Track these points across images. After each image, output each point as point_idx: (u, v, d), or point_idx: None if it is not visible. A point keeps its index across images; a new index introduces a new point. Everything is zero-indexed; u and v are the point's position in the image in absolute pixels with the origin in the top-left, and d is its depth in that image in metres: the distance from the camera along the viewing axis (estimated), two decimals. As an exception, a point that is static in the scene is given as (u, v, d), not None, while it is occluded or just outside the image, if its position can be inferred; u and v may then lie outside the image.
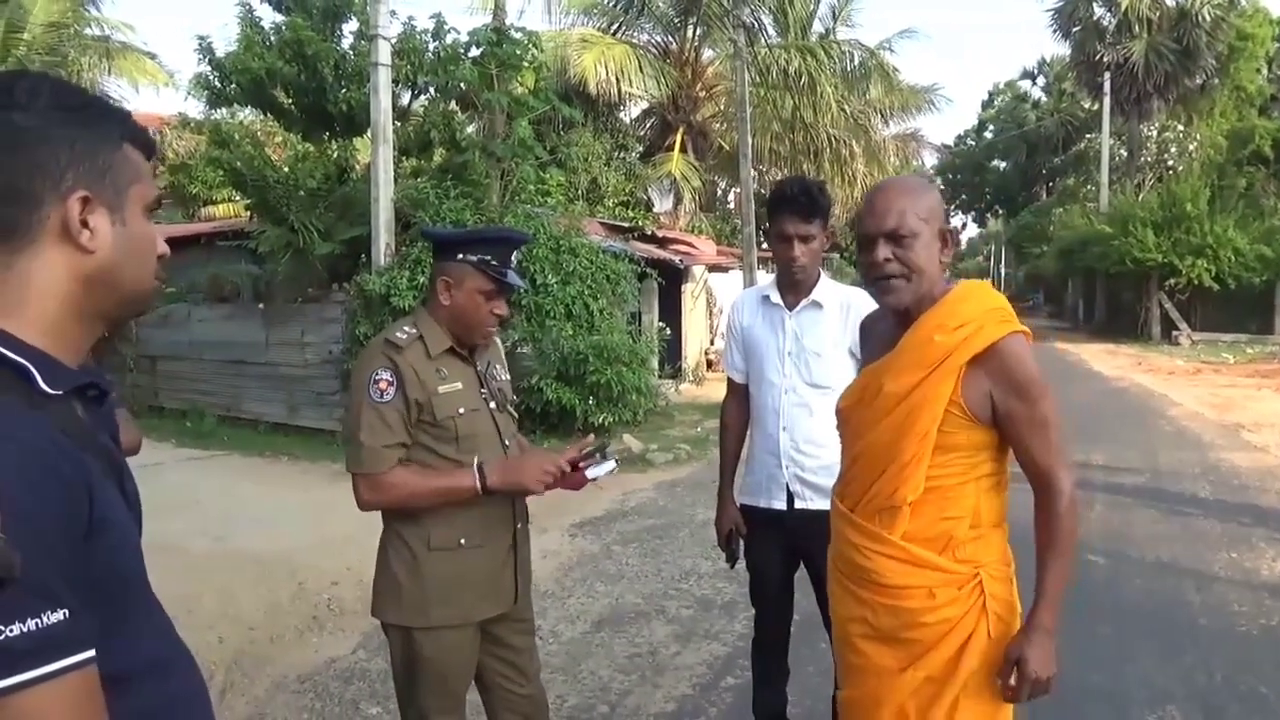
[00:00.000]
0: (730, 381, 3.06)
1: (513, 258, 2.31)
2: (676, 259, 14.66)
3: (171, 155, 18.35)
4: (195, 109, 17.44)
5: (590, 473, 2.31)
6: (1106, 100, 29.19)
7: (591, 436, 2.45)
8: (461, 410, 2.27)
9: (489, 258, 2.26)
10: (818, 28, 23.33)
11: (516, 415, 2.54)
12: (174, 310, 11.82)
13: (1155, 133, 31.40)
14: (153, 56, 20.07)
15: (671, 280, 14.28)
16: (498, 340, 2.59)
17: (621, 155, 19.92)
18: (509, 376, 2.56)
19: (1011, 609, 1.93)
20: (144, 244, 1.11)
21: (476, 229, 2.33)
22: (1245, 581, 5.17)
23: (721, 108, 21.44)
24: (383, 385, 2.20)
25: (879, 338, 2.04)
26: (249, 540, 6.05)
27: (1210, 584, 5.13)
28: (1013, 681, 1.85)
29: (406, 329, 2.29)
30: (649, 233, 15.80)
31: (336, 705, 3.77)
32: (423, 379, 2.22)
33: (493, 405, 2.38)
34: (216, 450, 9.76)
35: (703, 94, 21.52)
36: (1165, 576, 5.25)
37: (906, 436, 1.86)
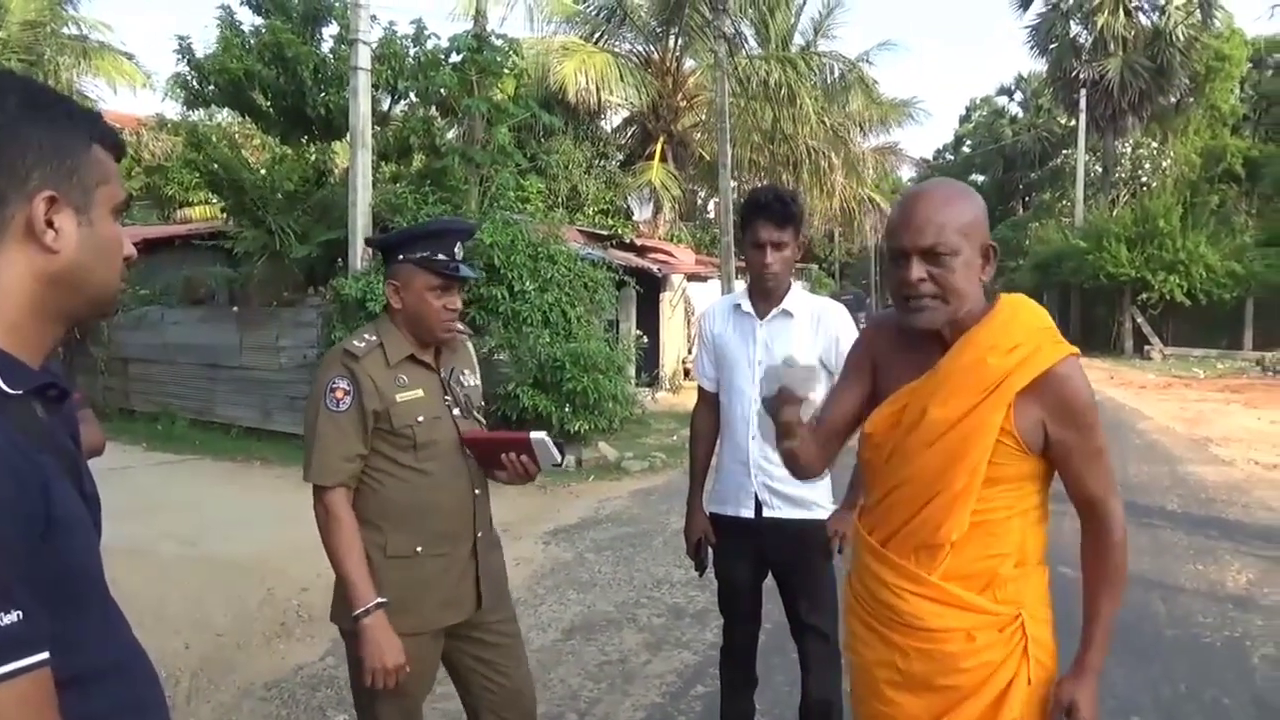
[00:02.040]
0: (701, 389, 3.06)
1: (457, 249, 2.27)
2: (655, 268, 14.69)
3: (148, 156, 18.20)
4: (173, 110, 17.29)
5: (535, 435, 2.24)
6: (1082, 117, 29.55)
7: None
8: (421, 418, 2.25)
9: (430, 253, 2.24)
10: (798, 40, 23.50)
11: (484, 421, 2.51)
12: (147, 313, 11.72)
13: (1130, 149, 31.80)
14: (130, 57, 19.93)
15: (650, 289, 14.31)
16: (469, 345, 2.57)
17: (601, 163, 19.95)
18: (479, 382, 2.52)
19: (1051, 654, 1.78)
20: (110, 245, 1.11)
21: (413, 226, 2.33)
22: (1210, 593, 5.24)
23: (702, 118, 21.52)
24: (339, 394, 2.19)
25: (904, 349, 1.82)
26: (219, 545, 6.00)
27: (1176, 596, 5.19)
28: None
29: (367, 336, 2.27)
30: (628, 241, 15.81)
31: (303, 712, 3.74)
32: (380, 388, 2.21)
33: (456, 412, 2.35)
34: (188, 454, 9.67)
35: (683, 104, 21.59)
36: (1133, 588, 5.29)
37: (954, 468, 1.69)
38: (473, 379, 2.48)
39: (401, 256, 2.26)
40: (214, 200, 13.35)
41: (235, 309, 10.85)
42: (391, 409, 2.21)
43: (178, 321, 11.56)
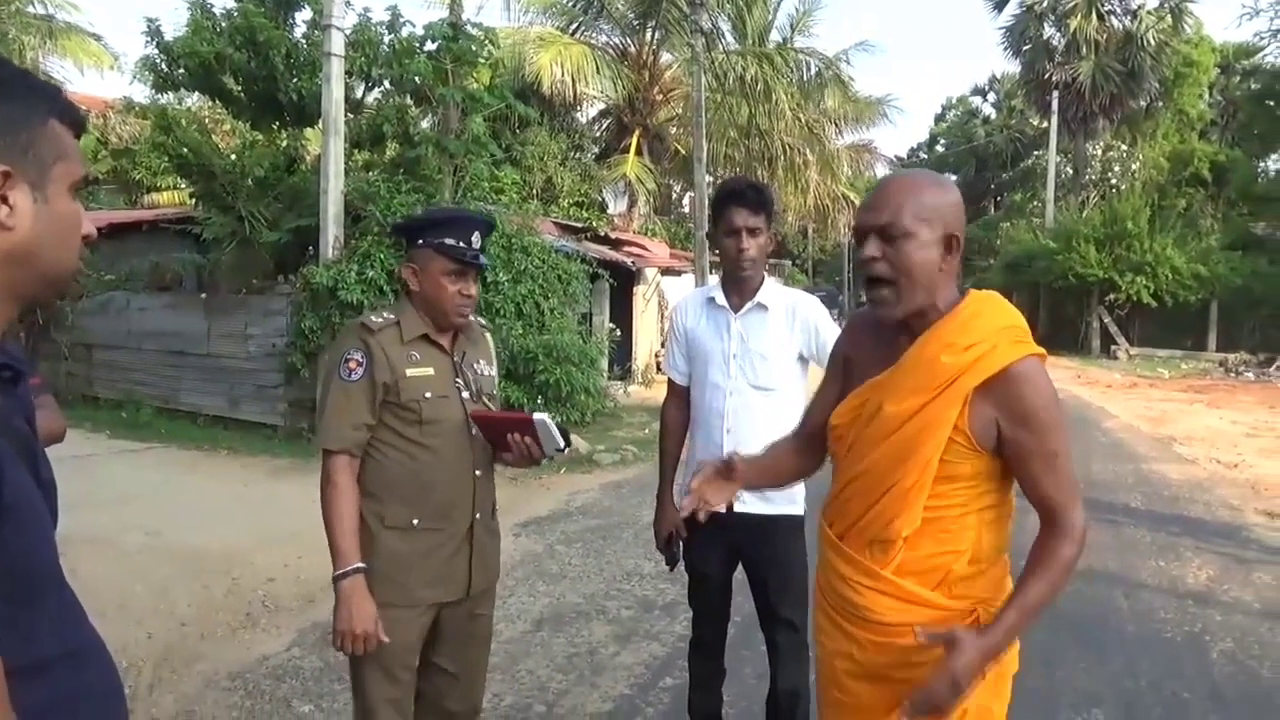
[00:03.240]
0: (671, 383, 3.06)
1: (474, 238, 2.33)
2: (629, 261, 14.68)
3: (115, 140, 17.93)
4: (141, 93, 17.07)
5: (538, 416, 2.27)
6: (1054, 118, 29.87)
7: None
8: (428, 394, 2.31)
9: (448, 239, 2.30)
10: (775, 36, 23.55)
11: (494, 409, 2.52)
12: (113, 298, 11.52)
13: (1100, 152, 32.23)
14: (98, 38, 19.65)
15: (624, 282, 14.30)
16: (489, 338, 2.62)
17: (577, 155, 19.91)
18: (494, 373, 2.57)
19: (1012, 650, 1.76)
20: (67, 223, 1.08)
21: (433, 211, 2.38)
22: (1171, 589, 5.32)
23: (678, 112, 21.53)
24: (352, 365, 2.27)
25: (875, 345, 1.83)
26: (184, 535, 5.91)
27: (1139, 591, 5.27)
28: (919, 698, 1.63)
29: (385, 314, 2.36)
30: (602, 234, 15.80)
31: (268, 703, 3.70)
32: (392, 361, 2.28)
33: (465, 395, 2.39)
34: (153, 442, 9.53)
35: (660, 97, 21.58)
36: (1097, 584, 5.38)
37: (906, 463, 1.70)
38: (489, 369, 2.53)
39: (421, 241, 2.33)
40: (183, 185, 13.16)
41: (203, 296, 10.68)
42: (401, 382, 2.28)
43: (144, 307, 11.37)
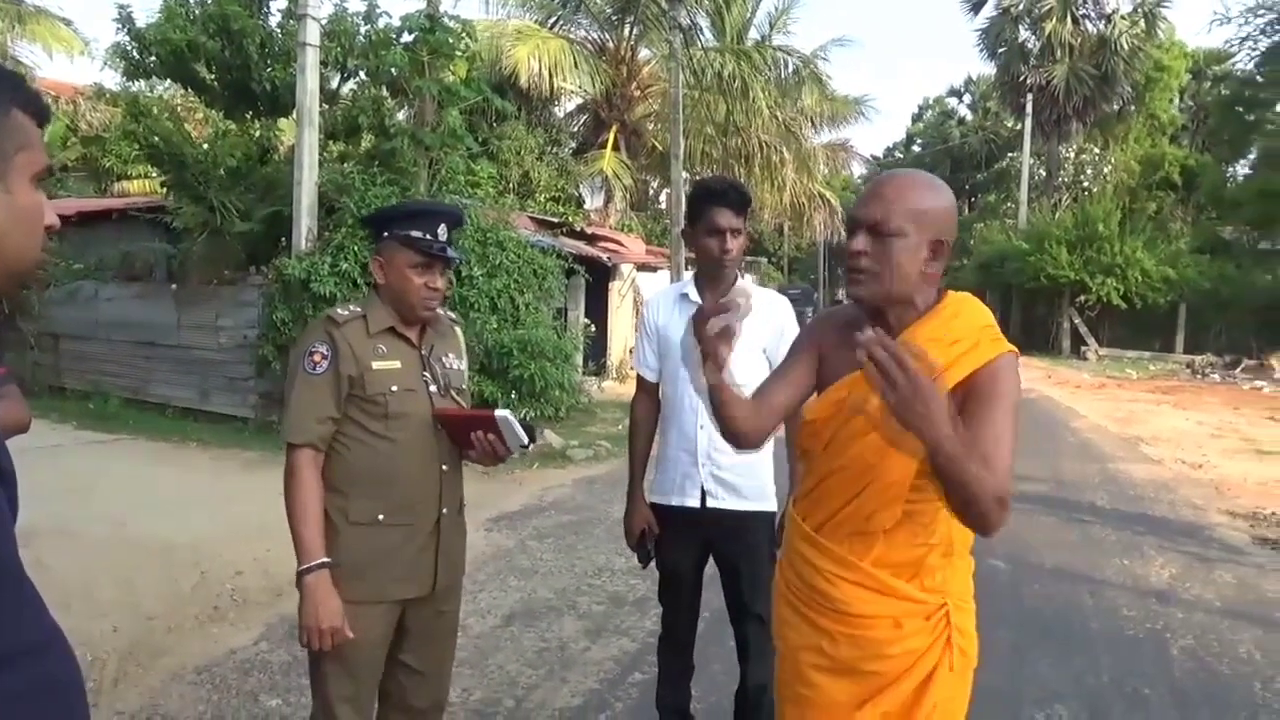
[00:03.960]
0: (641, 379, 3.06)
1: (441, 230, 2.31)
2: (605, 256, 14.67)
3: (85, 127, 17.66)
4: (112, 80, 16.79)
5: (500, 412, 2.26)
6: (1028, 121, 30.17)
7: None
8: (394, 388, 2.29)
9: (413, 232, 2.29)
10: (753, 34, 23.59)
11: (464, 404, 2.51)
12: (81, 287, 11.38)
13: (1073, 154, 32.60)
14: (68, 22, 19.31)
15: (599, 278, 14.29)
16: (459, 331, 2.60)
17: (554, 150, 19.83)
18: (464, 367, 2.55)
19: (974, 642, 1.81)
20: (30, 214, 1.07)
21: (398, 204, 2.36)
22: (1135, 587, 5.40)
23: (655, 108, 21.50)
24: (316, 358, 2.25)
25: (851, 344, 1.73)
26: (151, 527, 5.85)
27: (1103, 589, 5.34)
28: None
29: (351, 307, 2.35)
30: (578, 229, 15.76)
31: (234, 697, 3.67)
32: (357, 354, 2.27)
33: (433, 389, 2.37)
34: (121, 434, 9.42)
35: (637, 93, 21.55)
36: (1062, 582, 5.45)
37: (889, 458, 1.70)
38: (458, 363, 2.51)
39: (387, 233, 2.32)
40: (154, 174, 13.01)
41: (173, 286, 10.56)
42: (366, 375, 2.26)
43: (112, 297, 11.24)
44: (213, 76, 10.29)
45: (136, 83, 11.63)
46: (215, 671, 3.90)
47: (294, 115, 9.58)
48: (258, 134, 10.86)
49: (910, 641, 1.74)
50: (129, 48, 10.23)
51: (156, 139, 9.67)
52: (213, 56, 9.88)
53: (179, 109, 12.73)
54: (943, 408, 1.46)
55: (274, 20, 10.41)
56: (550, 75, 18.87)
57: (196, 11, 9.94)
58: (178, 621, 4.45)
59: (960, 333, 1.73)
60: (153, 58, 10.09)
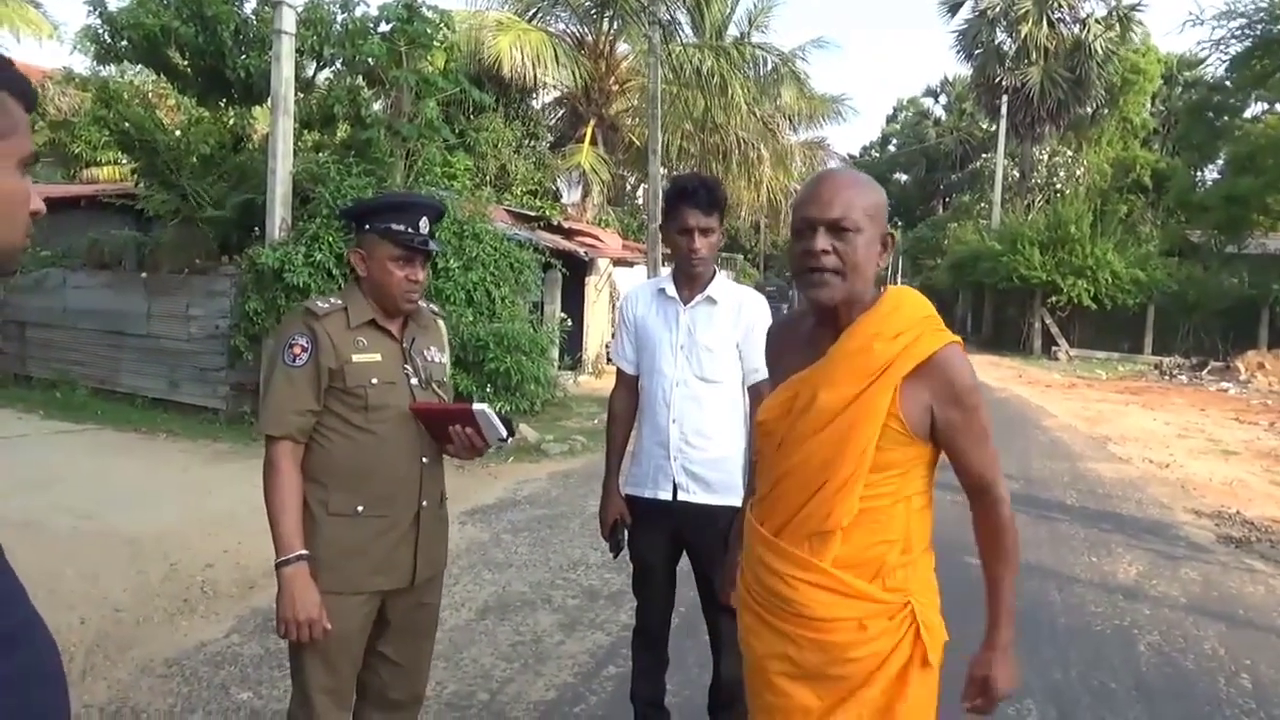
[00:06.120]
0: (620, 372, 3.07)
1: (422, 223, 2.31)
2: (581, 251, 14.66)
3: (53, 111, 17.34)
4: (82, 64, 16.48)
5: (478, 406, 2.26)
6: (1003, 122, 30.42)
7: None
8: (375, 380, 2.29)
9: (395, 224, 2.28)
10: (733, 31, 23.60)
11: (445, 397, 2.50)
12: (48, 275, 11.19)
13: (1046, 156, 32.92)
14: (37, 4, 18.98)
15: (576, 272, 14.27)
16: (441, 324, 2.59)
17: (531, 144, 19.76)
18: (446, 361, 2.54)
19: (941, 639, 1.81)
20: (13, 200, 1.05)
21: (379, 196, 2.34)
22: (1102, 584, 5.47)
23: (634, 103, 21.49)
24: (296, 350, 2.25)
25: (797, 344, 1.87)
26: (119, 519, 5.78)
27: (1071, 585, 5.41)
28: (979, 701, 1.83)
29: (332, 300, 2.34)
30: (555, 223, 15.73)
31: (205, 689, 3.64)
32: (338, 346, 2.26)
33: (414, 382, 2.37)
34: (89, 424, 9.29)
35: (616, 88, 21.52)
36: (1031, 578, 5.50)
37: (843, 454, 1.72)
38: (440, 356, 2.50)
39: (368, 226, 2.31)
40: (124, 161, 12.82)
41: (143, 275, 10.41)
42: (346, 367, 2.26)
43: (81, 285, 11.06)
44: (186, 62, 10.15)
45: (107, 67, 11.43)
46: (185, 664, 3.86)
47: (268, 103, 9.48)
48: (231, 122, 10.74)
49: (876, 644, 1.74)
50: (100, 31, 10.05)
51: (127, 125, 9.55)
52: (186, 42, 9.73)
53: (151, 95, 12.56)
54: (1010, 663, 1.83)
55: (249, 7, 10.28)
56: (531, 67, 18.79)
57: (170, -4, 9.79)
58: (146, 614, 4.40)
59: (902, 325, 1.75)
60: (124, 42, 9.92)
